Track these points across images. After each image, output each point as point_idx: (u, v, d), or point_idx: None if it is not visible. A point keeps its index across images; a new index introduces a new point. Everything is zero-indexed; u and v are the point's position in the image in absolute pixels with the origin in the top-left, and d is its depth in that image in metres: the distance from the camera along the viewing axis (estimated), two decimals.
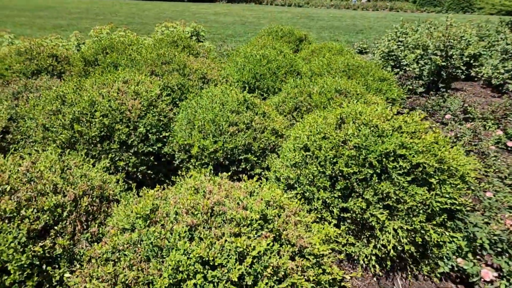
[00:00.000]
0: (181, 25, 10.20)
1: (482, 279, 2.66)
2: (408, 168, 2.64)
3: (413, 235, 2.69)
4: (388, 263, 2.80)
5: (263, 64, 5.39)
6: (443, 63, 6.95)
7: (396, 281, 2.91)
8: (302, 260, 1.89)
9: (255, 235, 1.81)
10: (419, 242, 2.72)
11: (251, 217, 1.83)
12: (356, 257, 2.90)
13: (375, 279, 2.92)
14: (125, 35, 8.41)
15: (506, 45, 8.12)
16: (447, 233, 2.77)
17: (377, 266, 2.81)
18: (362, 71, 5.39)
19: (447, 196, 2.71)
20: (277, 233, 1.91)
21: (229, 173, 3.01)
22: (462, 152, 3.03)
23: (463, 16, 28.81)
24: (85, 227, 2.24)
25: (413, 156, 2.67)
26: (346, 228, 2.82)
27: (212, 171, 2.74)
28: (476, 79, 8.70)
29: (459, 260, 2.76)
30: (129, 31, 9.03)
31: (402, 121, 2.95)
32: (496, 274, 2.68)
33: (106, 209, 2.44)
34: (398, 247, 2.70)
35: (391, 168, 2.63)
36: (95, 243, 2.00)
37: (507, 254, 2.91)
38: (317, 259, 2.04)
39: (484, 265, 2.82)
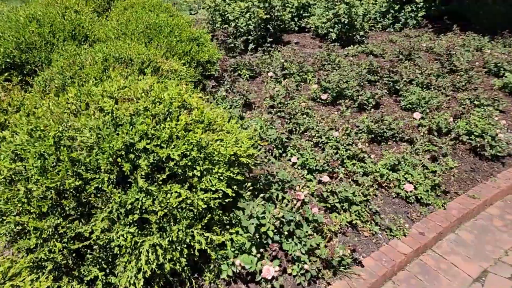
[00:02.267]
0: None
1: (263, 278, 2.30)
2: (153, 166, 2.00)
3: (178, 247, 2.13)
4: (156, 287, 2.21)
5: (31, 29, 4.08)
6: (266, 16, 6.59)
7: None
8: None
9: None
10: (191, 252, 2.19)
11: None
12: None
13: None
14: None
15: None
16: (214, 236, 2.29)
17: None
18: (166, 31, 4.56)
19: (212, 189, 2.19)
20: None
21: None
22: (236, 127, 2.54)
23: None
24: None
25: (161, 148, 2.03)
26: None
27: None
28: (306, 30, 8.76)
29: (238, 261, 2.33)
30: None
31: (156, 98, 2.26)
32: (277, 268, 2.35)
33: None
34: (167, 265, 2.12)
35: (127, 169, 1.94)
36: None
37: (294, 238, 2.63)
38: None
39: (270, 258, 2.48)
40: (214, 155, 2.22)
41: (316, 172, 3.61)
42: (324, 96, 5.06)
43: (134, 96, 2.18)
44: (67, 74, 3.33)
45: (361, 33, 7.67)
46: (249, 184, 2.59)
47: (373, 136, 4.31)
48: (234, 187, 2.37)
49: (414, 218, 3.37)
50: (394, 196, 3.58)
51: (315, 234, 2.85)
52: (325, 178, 3.23)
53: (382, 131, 4.26)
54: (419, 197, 3.50)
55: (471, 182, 3.90)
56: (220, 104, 4.23)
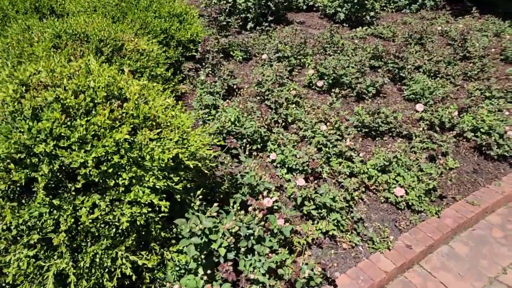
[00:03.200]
0: None
1: None
2: (63, 173, 1.69)
3: (96, 272, 1.84)
4: None
5: None
6: None
7: None
8: None
9: None
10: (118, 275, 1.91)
11: None
12: None
13: None
14: None
15: None
16: (142, 260, 1.99)
17: None
18: (143, 4, 4.17)
19: (143, 201, 1.88)
20: None
21: None
22: (188, 122, 2.20)
23: None
24: None
25: (72, 151, 1.71)
26: None
27: None
28: (315, 9, 8.18)
29: (176, 286, 2.04)
30: None
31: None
32: None
33: None
34: None
35: (19, 179, 1.64)
36: None
37: (251, 255, 2.32)
38: None
39: (222, 280, 2.18)
40: (146, 159, 1.89)
41: (297, 172, 3.25)
42: (319, 83, 4.63)
43: (52, 82, 1.84)
44: (13, 52, 3.01)
45: (372, 13, 7.06)
46: (199, 192, 2.26)
47: (367, 130, 3.91)
48: (178, 196, 2.06)
49: (402, 227, 3.01)
50: (382, 201, 3.21)
51: (281, 248, 2.53)
52: (300, 181, 2.88)
53: (377, 125, 3.84)
54: (410, 203, 3.13)
55: (472, 185, 3.49)
56: (199, 89, 3.87)
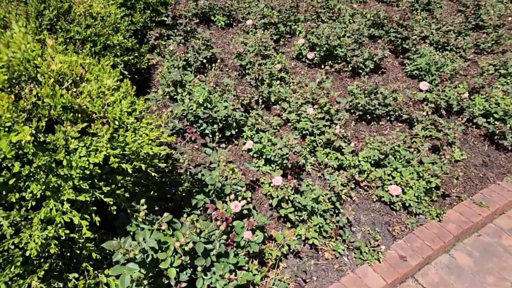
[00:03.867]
0: None
1: None
2: None
3: None
4: None
5: None
6: None
7: None
8: None
9: None
10: None
11: None
12: None
13: None
14: None
15: None
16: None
17: None
18: None
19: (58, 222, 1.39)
20: None
21: None
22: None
23: None
24: None
25: None
26: None
27: None
28: None
29: None
30: None
31: None
32: None
33: None
34: None
35: None
36: None
37: (211, 272, 1.87)
38: None
39: None
40: (64, 165, 1.39)
41: (276, 165, 2.75)
42: (310, 55, 4.02)
43: None
44: None
45: None
46: (143, 200, 1.76)
47: (361, 112, 3.37)
48: (113, 208, 1.57)
49: (396, 232, 2.56)
50: (375, 199, 2.74)
51: (250, 263, 2.08)
52: (277, 180, 2.38)
53: (373, 107, 3.30)
54: (407, 204, 2.66)
55: (481, 181, 3.01)
56: (167, 62, 3.28)
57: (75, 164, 1.49)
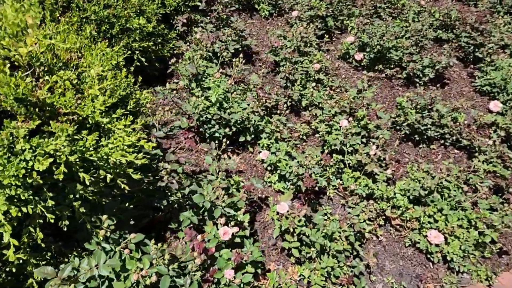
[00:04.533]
0: None
1: None
2: None
3: None
4: None
5: None
6: None
7: None
8: None
9: None
10: None
11: None
12: None
13: None
14: None
15: None
16: None
17: None
18: None
19: None
20: None
21: None
22: None
23: None
24: None
25: None
26: None
27: None
28: None
29: None
30: None
31: None
32: None
33: None
34: None
35: None
36: None
37: None
38: None
39: None
40: None
41: (290, 184, 2.33)
42: (358, 56, 3.48)
43: None
44: None
45: None
46: (105, 217, 1.45)
47: (408, 131, 2.80)
48: (64, 224, 1.29)
49: None
50: (407, 244, 2.21)
51: None
52: (282, 206, 1.95)
53: (424, 127, 2.72)
54: (449, 258, 2.10)
55: None
56: (190, 52, 2.95)
57: (11, 171, 1.20)
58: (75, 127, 1.31)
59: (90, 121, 1.42)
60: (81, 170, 1.31)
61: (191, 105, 2.28)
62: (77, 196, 1.36)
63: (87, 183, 1.32)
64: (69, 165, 1.30)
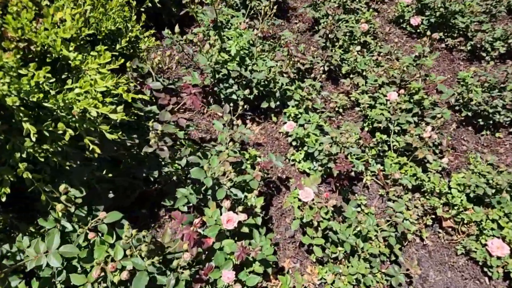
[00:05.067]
0: None
1: None
2: None
3: None
4: None
5: None
6: None
7: None
8: None
9: None
10: None
11: None
12: None
13: None
14: None
15: None
16: None
17: None
18: None
19: None
20: None
21: None
22: None
23: None
24: None
25: None
26: None
27: None
28: None
29: None
30: None
31: None
32: None
33: None
34: None
35: None
36: None
37: None
38: None
39: None
40: None
41: (319, 164, 1.89)
42: (415, 21, 2.88)
43: None
44: None
45: None
46: (63, 187, 1.09)
47: (470, 113, 2.27)
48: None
49: None
50: (459, 252, 1.76)
51: None
52: (307, 193, 1.53)
53: (492, 109, 2.19)
54: None
55: None
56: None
57: None
58: (18, 56, 0.92)
59: (53, 54, 1.02)
60: (25, 119, 0.93)
61: (204, 55, 1.85)
62: (24, 155, 0.99)
63: (33, 138, 0.94)
64: (10, 110, 0.92)
